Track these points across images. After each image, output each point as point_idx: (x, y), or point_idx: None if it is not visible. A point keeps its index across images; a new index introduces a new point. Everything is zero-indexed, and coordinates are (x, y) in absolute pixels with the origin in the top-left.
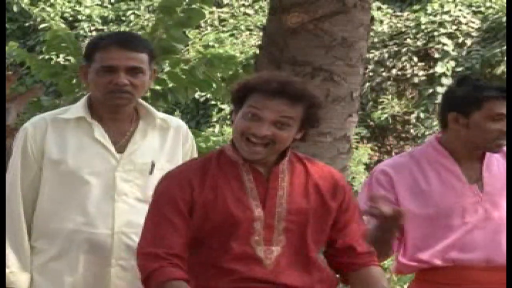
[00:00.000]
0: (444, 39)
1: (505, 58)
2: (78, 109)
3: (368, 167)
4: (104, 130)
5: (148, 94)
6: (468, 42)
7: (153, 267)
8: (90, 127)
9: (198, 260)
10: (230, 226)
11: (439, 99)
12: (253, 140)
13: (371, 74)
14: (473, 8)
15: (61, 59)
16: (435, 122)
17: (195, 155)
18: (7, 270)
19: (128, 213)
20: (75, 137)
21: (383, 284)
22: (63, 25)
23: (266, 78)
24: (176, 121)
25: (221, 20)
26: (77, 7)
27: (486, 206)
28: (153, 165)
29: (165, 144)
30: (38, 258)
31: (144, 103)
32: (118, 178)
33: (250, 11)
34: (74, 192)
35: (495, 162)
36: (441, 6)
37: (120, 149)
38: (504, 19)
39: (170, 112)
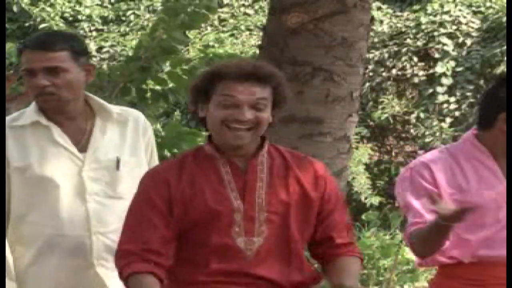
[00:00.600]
0: (444, 39)
1: (505, 58)
2: (31, 113)
3: (368, 167)
4: (62, 131)
5: (148, 94)
6: (468, 42)
7: (122, 263)
8: (48, 130)
9: (179, 256)
10: (210, 219)
11: (439, 99)
12: (235, 126)
13: (371, 74)
14: (473, 8)
15: None
16: (435, 122)
17: (155, 147)
18: None
19: (101, 212)
20: (35, 142)
21: (351, 273)
22: (63, 25)
23: (234, 64)
24: (134, 112)
25: (221, 20)
26: (77, 7)
27: None
28: (118, 161)
29: (125, 138)
30: (16, 266)
31: (97, 98)
32: (85, 178)
33: (250, 11)
34: (44, 197)
35: None
36: (441, 6)
37: (82, 148)
38: (504, 19)
39: (170, 112)
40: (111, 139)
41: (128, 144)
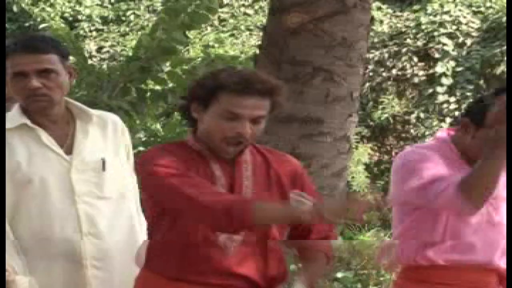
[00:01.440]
0: (444, 39)
1: (505, 58)
2: (16, 117)
3: (368, 167)
4: (48, 134)
5: (148, 94)
6: (468, 42)
7: (226, 197)
8: (34, 133)
9: (170, 239)
10: None
11: (439, 99)
12: (236, 141)
13: (371, 74)
14: (473, 8)
15: None
16: (435, 122)
17: (131, 151)
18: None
19: (91, 213)
20: (23, 144)
21: (318, 267)
22: (63, 25)
23: (238, 75)
24: (112, 116)
25: (221, 20)
26: (77, 7)
27: (489, 209)
28: (104, 162)
29: (107, 139)
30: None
31: (75, 102)
32: (74, 180)
33: (250, 11)
34: (33, 199)
35: None
36: (441, 6)
37: (67, 151)
38: (504, 19)
39: (170, 112)
40: (94, 140)
41: (110, 145)
